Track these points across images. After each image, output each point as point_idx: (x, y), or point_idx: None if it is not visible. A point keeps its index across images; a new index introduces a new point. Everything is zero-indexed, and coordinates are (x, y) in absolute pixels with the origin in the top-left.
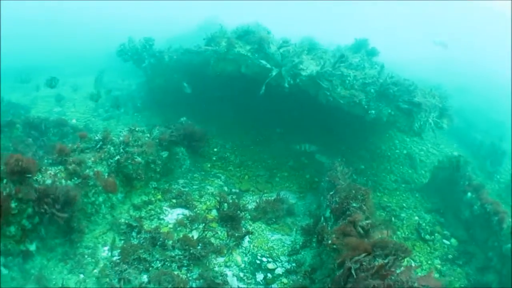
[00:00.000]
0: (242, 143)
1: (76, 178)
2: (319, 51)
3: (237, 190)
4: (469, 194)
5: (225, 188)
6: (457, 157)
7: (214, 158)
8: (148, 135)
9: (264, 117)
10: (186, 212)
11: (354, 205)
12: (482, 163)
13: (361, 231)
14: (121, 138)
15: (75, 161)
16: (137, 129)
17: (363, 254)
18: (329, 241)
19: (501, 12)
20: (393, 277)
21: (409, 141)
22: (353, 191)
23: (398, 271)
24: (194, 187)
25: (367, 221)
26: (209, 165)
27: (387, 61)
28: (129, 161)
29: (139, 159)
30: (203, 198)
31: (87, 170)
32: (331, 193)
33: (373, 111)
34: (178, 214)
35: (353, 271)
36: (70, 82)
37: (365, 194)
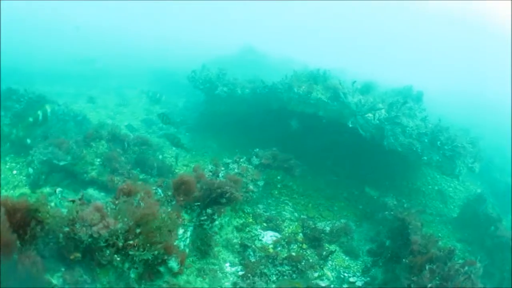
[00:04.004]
0: (301, 173)
1: None
2: (380, 100)
3: (305, 217)
4: (492, 227)
5: (296, 214)
6: (482, 197)
7: (279, 186)
8: (248, 163)
9: (318, 151)
10: (277, 234)
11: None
12: (501, 200)
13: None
14: (236, 170)
15: None
16: (241, 160)
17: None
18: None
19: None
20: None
21: (439, 178)
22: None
23: None
24: (273, 212)
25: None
26: (276, 192)
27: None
28: (244, 189)
29: (251, 187)
30: (285, 223)
31: None
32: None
33: (425, 158)
34: (271, 236)
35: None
36: (117, 93)
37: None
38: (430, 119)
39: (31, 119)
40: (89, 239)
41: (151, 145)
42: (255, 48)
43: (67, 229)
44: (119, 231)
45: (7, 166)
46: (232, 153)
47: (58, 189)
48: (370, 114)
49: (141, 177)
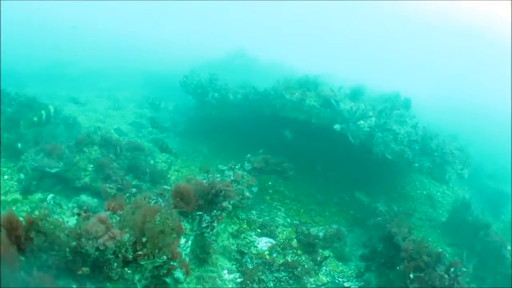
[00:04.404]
0: (292, 177)
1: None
2: (370, 108)
3: (298, 222)
4: (481, 232)
5: (288, 220)
6: (469, 202)
7: (271, 191)
8: (242, 170)
9: (309, 156)
10: (272, 240)
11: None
12: (490, 204)
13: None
14: (232, 177)
15: None
16: (237, 167)
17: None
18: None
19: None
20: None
21: (427, 182)
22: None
23: None
24: (266, 218)
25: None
26: (268, 198)
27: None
28: (240, 196)
29: (247, 193)
30: (278, 228)
31: None
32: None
33: (416, 164)
34: (266, 242)
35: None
36: (107, 96)
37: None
38: (420, 126)
39: (35, 119)
40: (96, 252)
41: (143, 150)
42: (245, 52)
43: (74, 243)
44: (128, 243)
45: None
46: (223, 158)
47: (50, 195)
48: (362, 121)
49: (133, 183)
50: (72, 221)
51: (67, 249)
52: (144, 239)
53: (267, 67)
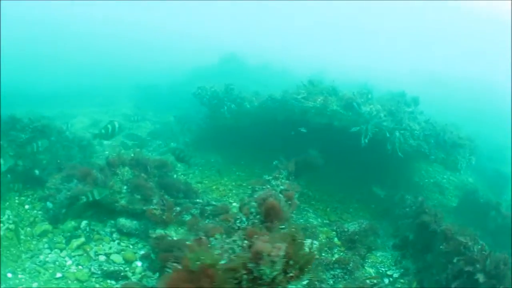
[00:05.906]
0: (310, 179)
1: None
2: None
3: (328, 221)
4: (492, 212)
5: (319, 220)
6: (474, 186)
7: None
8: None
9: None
10: (315, 241)
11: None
12: (491, 186)
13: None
14: (281, 187)
15: None
16: (282, 175)
17: None
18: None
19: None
20: None
21: (432, 170)
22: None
23: None
24: (301, 220)
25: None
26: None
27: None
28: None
29: (296, 201)
30: (317, 229)
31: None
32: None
33: (433, 157)
34: (312, 243)
35: None
36: (103, 112)
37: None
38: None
39: (103, 131)
40: (269, 270)
41: (168, 166)
42: (236, 55)
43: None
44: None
45: (17, 201)
46: (239, 166)
47: (84, 222)
48: (381, 122)
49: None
50: (114, 246)
51: (245, 276)
52: (291, 262)
53: (260, 69)
